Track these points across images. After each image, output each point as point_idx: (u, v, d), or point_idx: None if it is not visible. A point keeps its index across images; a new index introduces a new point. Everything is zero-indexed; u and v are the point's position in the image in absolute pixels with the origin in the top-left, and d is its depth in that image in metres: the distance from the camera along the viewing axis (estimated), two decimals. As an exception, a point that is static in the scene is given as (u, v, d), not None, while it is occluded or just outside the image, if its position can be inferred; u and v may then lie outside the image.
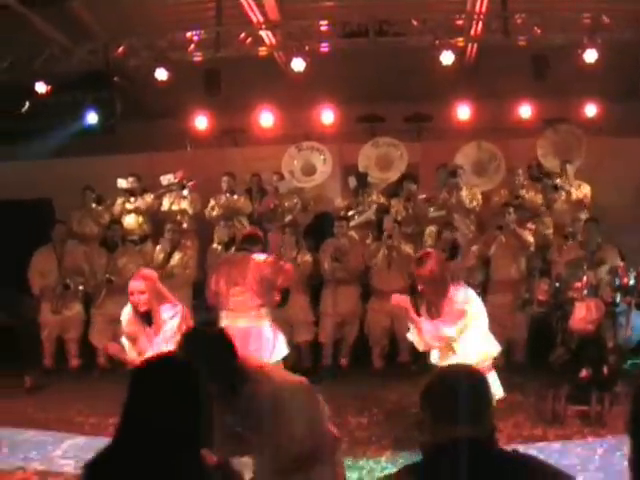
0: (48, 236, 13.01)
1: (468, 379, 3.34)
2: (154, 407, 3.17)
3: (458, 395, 3.19)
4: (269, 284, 9.14)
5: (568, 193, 13.74)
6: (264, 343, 8.81)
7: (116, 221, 13.96)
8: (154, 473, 3.08)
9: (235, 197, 14.39)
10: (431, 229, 13.77)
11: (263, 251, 9.44)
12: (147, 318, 7.41)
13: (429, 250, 8.53)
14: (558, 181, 13.96)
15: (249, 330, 8.80)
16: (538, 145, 14.66)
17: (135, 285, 7.40)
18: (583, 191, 13.73)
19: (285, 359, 9.02)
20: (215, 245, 13.63)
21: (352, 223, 13.85)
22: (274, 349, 8.85)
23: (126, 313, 7.64)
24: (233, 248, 12.67)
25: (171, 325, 7.35)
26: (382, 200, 14.46)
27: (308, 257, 12.87)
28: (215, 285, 9.28)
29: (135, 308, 7.43)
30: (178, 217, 14.27)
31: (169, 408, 3.17)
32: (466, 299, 7.75)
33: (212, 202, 14.36)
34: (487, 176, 14.82)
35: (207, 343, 4.75)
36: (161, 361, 3.52)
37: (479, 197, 13.99)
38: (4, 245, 13.21)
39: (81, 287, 12.83)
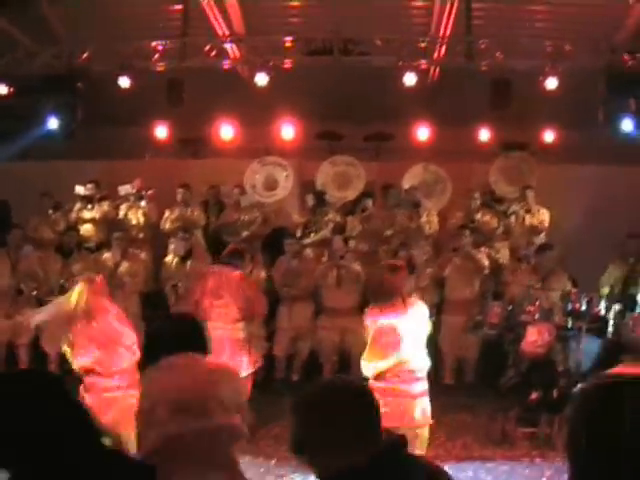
0: (3, 240, 12.89)
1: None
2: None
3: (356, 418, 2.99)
4: (251, 302, 9.51)
5: (522, 218, 13.91)
6: (237, 354, 9.05)
7: (72, 228, 13.88)
8: None
9: (189, 210, 14.35)
10: (387, 248, 13.84)
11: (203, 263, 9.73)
12: None
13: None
14: (513, 207, 14.15)
15: (227, 340, 9.26)
16: (490, 172, 14.84)
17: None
18: (540, 217, 13.90)
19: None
20: (169, 258, 13.51)
21: (308, 241, 13.90)
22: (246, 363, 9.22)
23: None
24: (189, 262, 12.78)
25: None
26: (339, 219, 14.50)
27: (262, 273, 12.91)
28: (199, 295, 9.48)
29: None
30: (133, 224, 14.23)
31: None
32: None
33: (167, 214, 14.32)
34: (435, 197, 14.96)
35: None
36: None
37: (436, 222, 14.13)
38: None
39: (34, 292, 12.69)
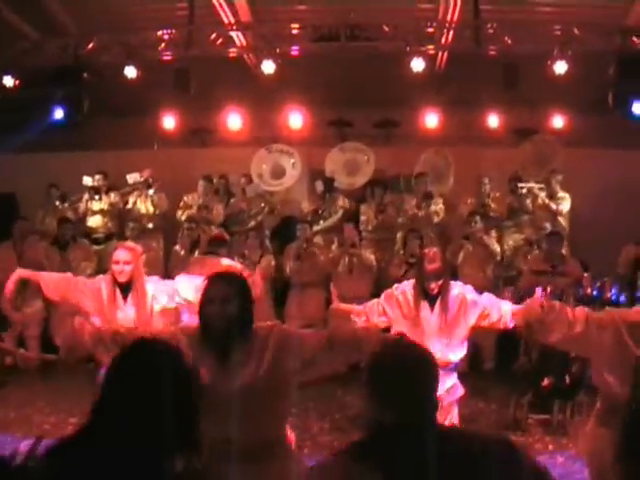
0: (10, 231, 12.86)
1: (418, 358, 3.17)
2: (132, 398, 2.87)
3: (409, 375, 3.08)
4: None
5: (542, 201, 13.83)
6: None
7: (66, 220, 13.78)
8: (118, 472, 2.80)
9: (209, 202, 14.36)
10: (398, 236, 13.81)
11: (228, 254, 9.49)
12: (124, 290, 7.27)
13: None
14: (534, 185, 14.04)
15: None
16: (518, 158, 14.68)
17: (121, 254, 7.26)
18: (561, 204, 13.76)
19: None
20: (178, 247, 13.50)
21: (317, 228, 13.86)
22: None
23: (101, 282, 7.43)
24: (197, 251, 12.69)
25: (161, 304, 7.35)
26: (348, 205, 14.46)
27: (271, 260, 12.86)
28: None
29: (114, 278, 7.26)
30: (143, 214, 14.20)
31: (148, 401, 2.85)
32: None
33: (184, 203, 14.32)
34: (443, 181, 14.88)
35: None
36: (150, 347, 3.10)
37: (443, 209, 14.04)
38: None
39: (41, 284, 12.65)
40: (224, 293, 4.58)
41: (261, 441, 4.57)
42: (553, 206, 13.73)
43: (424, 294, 7.19)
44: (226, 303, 4.54)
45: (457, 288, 7.38)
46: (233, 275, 4.82)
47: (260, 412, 4.53)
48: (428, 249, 7.62)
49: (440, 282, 7.15)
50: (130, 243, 8.08)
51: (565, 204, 13.77)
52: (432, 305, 7.20)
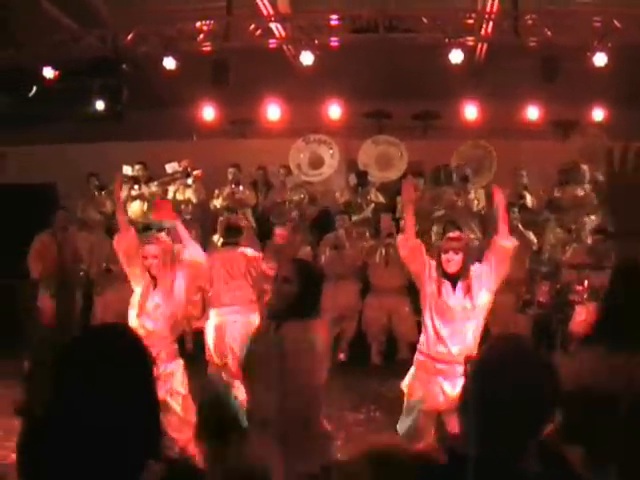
0: (50, 221, 12.99)
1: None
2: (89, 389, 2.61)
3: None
4: (261, 278, 9.37)
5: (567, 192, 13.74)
6: None
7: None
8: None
9: (240, 189, 14.34)
10: (435, 228, 13.72)
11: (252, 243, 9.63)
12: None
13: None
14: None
15: (245, 324, 9.13)
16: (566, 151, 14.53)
17: (150, 249, 7.49)
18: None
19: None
20: (216, 237, 13.54)
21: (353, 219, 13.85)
22: None
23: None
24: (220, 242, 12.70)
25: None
26: (380, 199, 14.41)
27: (308, 251, 12.89)
28: (204, 282, 9.45)
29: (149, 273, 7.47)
30: (182, 206, 14.23)
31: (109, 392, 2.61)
32: None
33: (216, 192, 14.33)
34: (483, 174, 14.76)
35: None
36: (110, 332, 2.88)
37: (483, 198, 13.95)
38: (8, 229, 13.19)
39: (82, 273, 12.80)
40: (286, 273, 4.98)
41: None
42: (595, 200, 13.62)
43: (444, 274, 7.16)
44: (286, 283, 4.89)
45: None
46: (299, 260, 5.18)
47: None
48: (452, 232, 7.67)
49: (459, 262, 7.11)
50: (160, 235, 8.21)
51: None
52: (454, 286, 7.17)
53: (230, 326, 9.48)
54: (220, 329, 9.58)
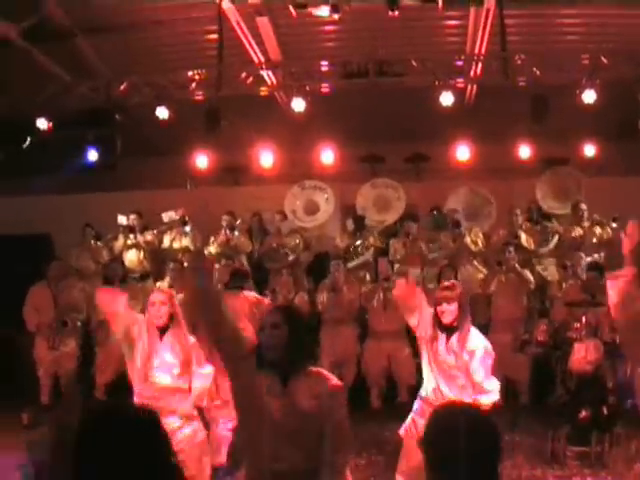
0: (45, 272, 12.99)
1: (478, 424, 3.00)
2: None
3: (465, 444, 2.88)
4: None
5: (567, 231, 13.80)
6: None
7: (115, 259, 13.94)
8: None
9: (235, 235, 14.35)
10: (429, 271, 13.71)
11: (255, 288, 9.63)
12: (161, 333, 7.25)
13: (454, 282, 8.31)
14: (551, 224, 14.06)
15: None
16: (537, 187, 14.73)
17: (157, 296, 7.32)
18: (596, 231, 13.69)
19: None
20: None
21: (350, 265, 13.84)
22: None
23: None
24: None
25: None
26: (379, 243, 14.44)
27: (305, 297, 12.91)
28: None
29: (152, 321, 7.24)
30: (179, 255, 14.24)
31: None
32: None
33: (211, 239, 14.34)
34: (481, 220, 14.84)
35: None
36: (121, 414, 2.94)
37: (481, 237, 14.00)
38: (2, 280, 13.19)
39: (79, 323, 12.78)
40: (273, 320, 4.87)
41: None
42: (580, 236, 13.70)
43: (439, 324, 7.13)
44: (275, 329, 4.81)
45: (480, 340, 7.28)
46: (285, 305, 5.13)
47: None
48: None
49: (453, 313, 7.09)
50: (164, 286, 8.18)
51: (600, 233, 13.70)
52: (448, 337, 7.15)
53: None
54: None
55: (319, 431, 4.78)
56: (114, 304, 7.37)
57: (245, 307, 9.79)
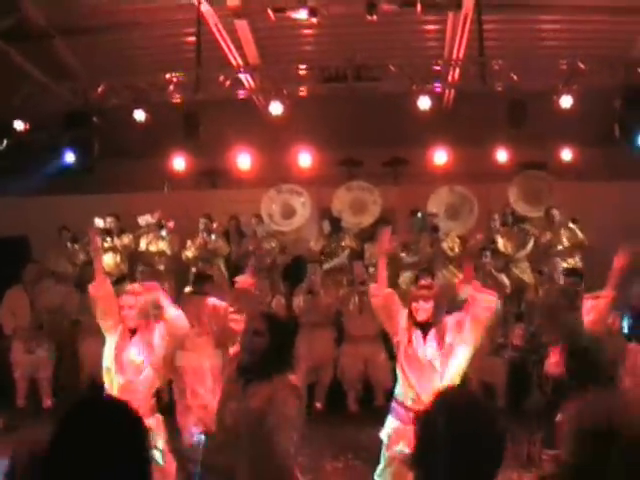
0: (20, 275, 12.92)
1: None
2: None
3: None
4: (223, 329, 9.37)
5: (541, 235, 13.88)
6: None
7: (90, 262, 13.87)
8: None
9: (212, 238, 14.32)
10: (406, 275, 13.72)
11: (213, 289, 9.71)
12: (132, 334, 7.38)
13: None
14: (527, 227, 14.14)
15: (207, 369, 9.42)
16: (509, 191, 14.79)
17: (127, 300, 7.41)
18: (567, 235, 13.78)
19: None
20: (189, 289, 13.47)
21: (325, 266, 13.84)
22: None
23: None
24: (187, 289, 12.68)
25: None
26: (355, 245, 14.45)
27: (282, 301, 12.90)
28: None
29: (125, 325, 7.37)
30: (156, 258, 14.21)
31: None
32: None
33: (189, 243, 14.31)
34: (460, 220, 14.87)
35: None
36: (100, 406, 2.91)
37: (458, 242, 14.02)
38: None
39: (55, 326, 12.72)
40: (257, 326, 4.93)
41: None
42: (554, 241, 13.79)
43: (415, 323, 7.13)
44: (257, 336, 4.87)
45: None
46: (271, 314, 5.14)
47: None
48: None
49: (429, 311, 7.09)
50: (135, 286, 8.16)
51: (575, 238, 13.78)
52: (425, 334, 7.15)
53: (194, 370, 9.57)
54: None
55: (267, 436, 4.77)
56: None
57: (210, 315, 9.78)
